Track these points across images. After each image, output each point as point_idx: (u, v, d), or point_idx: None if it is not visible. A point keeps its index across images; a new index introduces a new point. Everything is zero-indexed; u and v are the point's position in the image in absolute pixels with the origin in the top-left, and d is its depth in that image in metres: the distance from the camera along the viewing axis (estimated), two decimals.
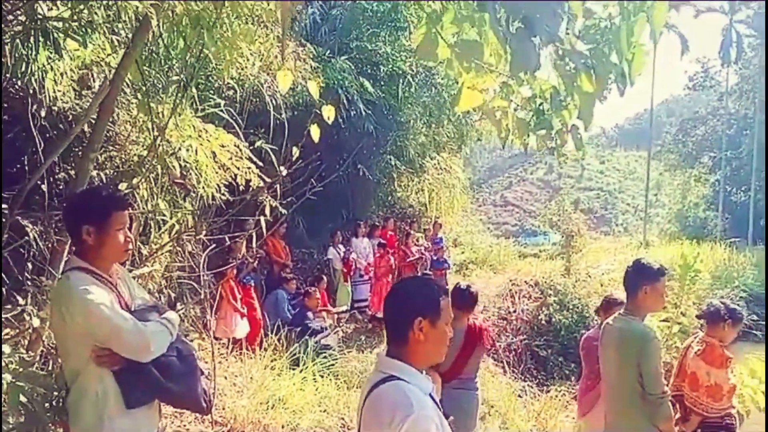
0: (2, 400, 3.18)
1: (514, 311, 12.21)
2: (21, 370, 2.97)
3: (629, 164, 51.84)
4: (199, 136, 4.73)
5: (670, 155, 33.81)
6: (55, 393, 3.20)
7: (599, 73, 2.84)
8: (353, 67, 9.35)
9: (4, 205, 3.60)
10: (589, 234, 15.43)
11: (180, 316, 2.68)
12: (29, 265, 3.96)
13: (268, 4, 4.54)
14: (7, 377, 3.01)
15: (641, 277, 3.34)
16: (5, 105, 4.36)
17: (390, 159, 11.64)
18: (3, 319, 3.59)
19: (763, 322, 11.51)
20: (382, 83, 10.24)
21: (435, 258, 11.18)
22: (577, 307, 11.74)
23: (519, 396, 8.55)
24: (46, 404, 2.94)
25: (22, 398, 2.89)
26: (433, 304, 1.80)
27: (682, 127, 34.01)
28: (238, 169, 5.02)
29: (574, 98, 3.04)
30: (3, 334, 3.56)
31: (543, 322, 11.79)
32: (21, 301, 3.59)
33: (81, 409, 2.35)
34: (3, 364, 3.13)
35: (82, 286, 2.26)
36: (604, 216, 44.56)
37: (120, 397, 2.32)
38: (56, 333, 2.69)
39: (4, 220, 3.42)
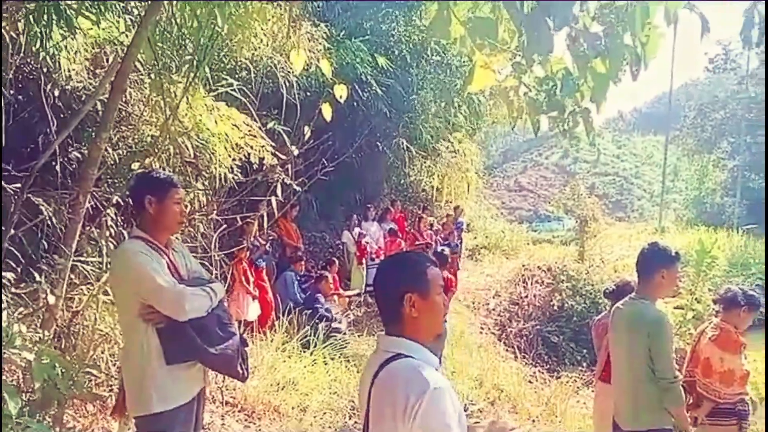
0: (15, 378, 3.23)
1: (526, 297, 12.17)
2: (42, 348, 3.03)
3: (646, 149, 51.08)
4: (211, 114, 4.71)
5: (688, 140, 33.24)
6: (71, 371, 3.27)
7: (613, 55, 2.78)
8: (367, 49, 9.26)
9: (17, 184, 3.62)
10: (603, 219, 15.30)
11: None
12: (44, 243, 4.00)
13: None
14: (28, 356, 3.07)
15: (658, 260, 3.29)
16: (20, 85, 4.37)
17: (403, 142, 11.55)
18: (17, 297, 3.63)
19: None
20: (396, 65, 10.13)
21: (446, 242, 11.15)
22: (590, 293, 11.67)
23: (529, 381, 8.54)
24: (65, 381, 3.04)
25: (45, 376, 2.98)
26: (421, 276, 1.74)
27: (700, 111, 33.34)
28: (251, 147, 5.00)
29: (587, 80, 2.98)
30: (17, 312, 3.61)
31: (555, 307, 11.74)
32: (37, 278, 3.62)
33: (129, 360, 2.64)
34: (21, 342, 3.19)
35: (134, 250, 2.55)
36: (620, 201, 44.05)
37: (161, 353, 2.53)
38: (112, 291, 3.19)
39: (17, 198, 3.44)
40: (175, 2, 4.01)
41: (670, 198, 33.31)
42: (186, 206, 4.72)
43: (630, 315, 3.32)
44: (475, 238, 16.79)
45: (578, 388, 8.27)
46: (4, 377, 3.40)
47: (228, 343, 2.68)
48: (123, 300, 2.66)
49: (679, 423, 3.21)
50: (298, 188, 4.65)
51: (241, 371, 2.78)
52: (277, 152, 5.16)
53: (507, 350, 10.17)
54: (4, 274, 3.52)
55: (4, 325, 3.13)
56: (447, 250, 4.13)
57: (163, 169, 4.35)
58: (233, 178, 5.00)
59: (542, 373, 9.41)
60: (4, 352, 3.09)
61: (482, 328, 10.83)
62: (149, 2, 3.80)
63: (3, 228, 3.53)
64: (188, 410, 2.66)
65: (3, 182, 3.58)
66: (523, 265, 13.33)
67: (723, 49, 35.05)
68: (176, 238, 3.03)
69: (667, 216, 28.95)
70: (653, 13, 2.59)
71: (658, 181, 36.34)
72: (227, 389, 5.11)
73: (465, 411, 6.10)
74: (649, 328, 3.17)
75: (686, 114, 36.06)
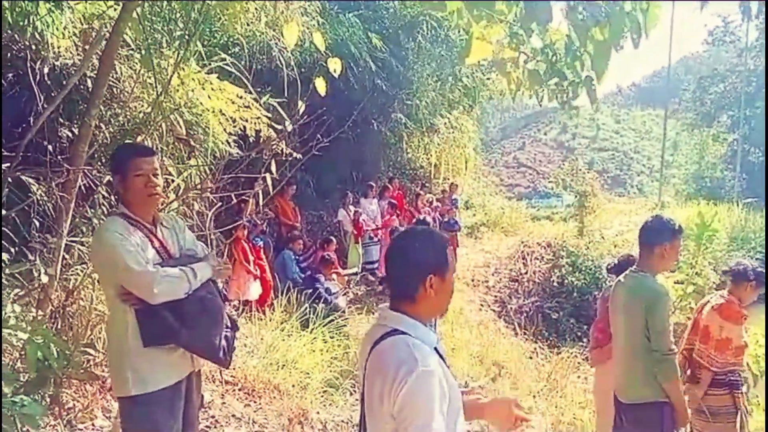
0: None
1: (526, 273, 12.17)
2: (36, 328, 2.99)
3: (645, 123, 50.82)
4: (203, 88, 4.62)
5: (688, 114, 32.99)
6: (68, 350, 3.24)
7: (614, 21, 2.70)
8: (361, 23, 9.11)
9: (7, 164, 3.56)
10: (603, 195, 15.26)
11: None
12: (36, 222, 3.95)
13: None
14: (22, 335, 3.04)
15: (660, 233, 3.26)
16: (8, 64, 4.28)
17: (400, 118, 11.44)
18: (12, 277, 3.59)
19: None
20: (391, 39, 9.99)
21: (445, 219, 11.11)
22: (590, 269, 11.68)
23: (530, 357, 8.58)
24: (60, 360, 3.00)
25: (39, 355, 2.94)
26: (443, 258, 1.72)
27: (700, 85, 33.03)
28: (246, 120, 4.92)
29: (587, 48, 2.91)
30: (12, 293, 3.58)
31: (555, 283, 11.76)
32: (30, 258, 3.58)
33: (110, 340, 2.64)
34: (14, 322, 3.15)
35: (109, 228, 2.48)
36: (619, 177, 43.97)
37: (138, 334, 2.45)
38: (95, 269, 3.16)
39: (4, 176, 3.38)
40: None
41: (669, 173, 33.20)
42: (172, 181, 4.67)
43: (629, 288, 3.31)
44: (474, 215, 16.76)
45: (579, 363, 8.30)
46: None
47: (209, 327, 2.58)
48: (103, 279, 2.66)
49: (673, 397, 3.19)
50: (297, 156, 4.56)
51: (223, 357, 2.65)
52: (272, 123, 5.07)
53: (507, 327, 10.19)
54: None
55: None
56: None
57: (156, 147, 4.29)
58: (228, 154, 4.93)
59: (542, 349, 9.45)
60: None
61: (482, 305, 10.85)
62: None
63: None
64: (173, 395, 2.56)
65: None
66: (523, 242, 13.32)
67: (722, 21, 34.59)
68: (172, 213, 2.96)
69: (666, 191, 28.89)
70: None
71: (658, 156, 36.20)
72: (226, 369, 5.10)
73: (465, 387, 6.14)
74: (647, 300, 3.15)
75: (685, 88, 35.79)
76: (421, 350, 1.63)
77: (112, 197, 4.23)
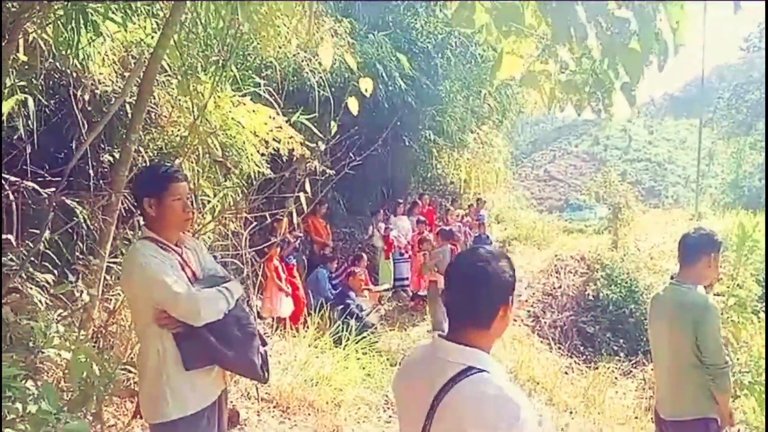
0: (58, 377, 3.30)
1: (560, 287, 11.98)
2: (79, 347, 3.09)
3: (679, 133, 49.88)
4: (238, 111, 4.73)
5: (723, 122, 32.36)
6: (109, 369, 3.32)
7: (643, 38, 2.68)
8: (390, 42, 9.21)
9: (51, 188, 3.69)
10: (637, 206, 14.88)
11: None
12: (79, 244, 4.08)
13: None
14: (66, 355, 3.13)
15: (702, 246, 3.20)
16: (50, 91, 4.46)
17: (429, 134, 11.48)
18: (56, 298, 3.71)
19: None
20: (420, 57, 10.06)
21: (477, 234, 11.06)
22: (626, 282, 11.42)
23: (565, 373, 8.41)
24: (103, 379, 3.08)
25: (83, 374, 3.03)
26: (513, 287, 1.58)
27: (735, 93, 32.39)
28: (278, 141, 5.01)
29: (618, 61, 2.89)
30: (56, 314, 3.69)
31: (590, 297, 11.53)
32: (72, 279, 3.69)
33: (145, 367, 2.52)
34: (59, 342, 3.26)
35: (144, 253, 2.44)
36: (654, 188, 43.16)
37: (179, 358, 2.44)
38: (126, 296, 3.06)
39: (50, 201, 3.50)
40: (199, 2, 4.03)
41: (705, 182, 32.47)
42: (215, 206, 4.78)
43: (672, 302, 3.22)
44: (506, 229, 16.61)
45: (616, 378, 8.11)
46: (44, 376, 3.49)
47: (248, 345, 2.59)
48: (137, 305, 2.56)
49: (723, 411, 3.12)
50: (331, 173, 4.61)
51: (261, 373, 2.67)
52: (305, 143, 5.15)
53: (542, 342, 10.04)
54: (42, 276, 3.60)
55: (42, 326, 3.21)
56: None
57: (193, 169, 4.40)
58: (262, 174, 5.02)
59: (578, 364, 9.26)
60: (44, 352, 3.16)
61: (515, 320, 10.72)
62: (173, 3, 3.83)
63: (38, 231, 3.60)
64: (210, 414, 2.58)
65: (37, 186, 3.65)
66: (556, 255, 13.12)
67: (757, 27, 33.86)
68: (198, 235, 2.99)
69: (703, 201, 28.20)
70: None
71: (692, 166, 35.44)
72: (262, 385, 5.15)
73: None
74: (695, 314, 3.06)
75: (720, 96, 35.09)
76: (512, 389, 1.50)
77: None
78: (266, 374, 2.71)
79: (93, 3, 3.66)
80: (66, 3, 3.69)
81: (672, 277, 3.33)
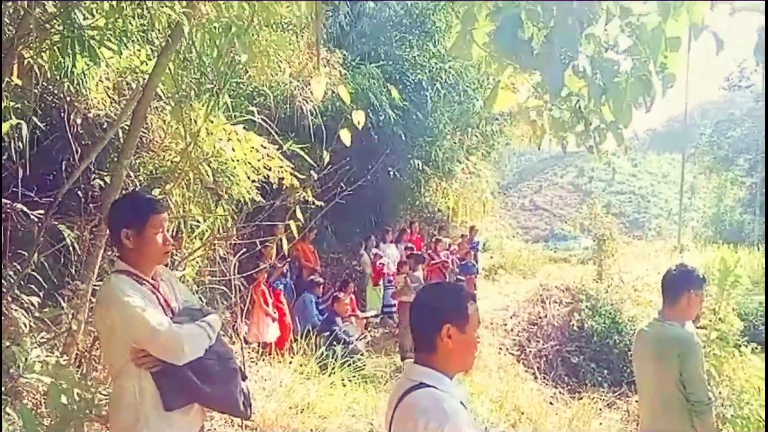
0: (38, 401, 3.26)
1: (545, 316, 12.02)
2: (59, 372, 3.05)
3: (662, 167, 50.77)
4: (229, 140, 4.78)
5: (705, 158, 33.00)
6: (90, 394, 3.28)
7: (630, 87, 2.76)
8: (381, 74, 9.36)
9: (40, 211, 3.68)
10: (621, 238, 15.06)
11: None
12: (67, 268, 4.06)
13: (300, 10, 4.57)
14: (46, 379, 3.09)
15: (686, 282, 3.23)
16: (43, 114, 4.48)
17: (418, 164, 11.60)
18: (40, 321, 3.68)
19: None
20: (411, 89, 10.22)
21: (463, 263, 11.11)
22: (610, 313, 11.49)
23: (550, 403, 8.40)
24: (82, 404, 3.02)
25: (63, 399, 2.97)
26: (461, 310, 1.75)
27: (717, 129, 33.18)
28: (269, 169, 5.04)
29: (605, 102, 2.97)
30: (39, 337, 3.65)
31: (575, 327, 11.58)
32: (59, 302, 3.67)
33: (119, 408, 2.37)
34: (41, 367, 3.22)
35: (121, 288, 2.29)
36: (637, 220, 43.67)
37: (157, 398, 2.31)
38: (99, 333, 2.82)
39: (40, 224, 3.50)
40: (194, 32, 4.10)
41: (687, 216, 32.91)
42: (204, 231, 4.79)
43: (656, 337, 3.25)
44: (492, 257, 16.69)
45: (600, 409, 8.11)
46: (24, 401, 3.43)
47: (230, 382, 2.49)
48: (111, 342, 2.38)
49: None
50: (319, 204, 4.65)
51: (244, 410, 2.56)
52: (295, 172, 5.20)
53: (526, 371, 10.03)
54: (28, 298, 3.58)
55: (24, 350, 3.17)
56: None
57: (184, 195, 4.42)
58: (253, 201, 5.05)
59: (563, 394, 9.26)
60: (24, 377, 3.10)
61: (500, 349, 10.71)
62: (170, 32, 3.89)
63: (26, 253, 3.59)
64: None
65: (26, 208, 3.64)
66: (541, 285, 13.20)
67: (738, 67, 34.81)
68: (186, 261, 2.97)
69: (685, 234, 28.56)
70: (679, 29, 2.57)
71: (675, 199, 35.99)
72: None
73: None
74: (680, 350, 3.09)
75: (702, 132, 35.85)
76: (450, 403, 1.64)
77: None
78: (249, 411, 2.61)
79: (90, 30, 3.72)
80: (62, 29, 3.74)
81: (659, 313, 3.37)
